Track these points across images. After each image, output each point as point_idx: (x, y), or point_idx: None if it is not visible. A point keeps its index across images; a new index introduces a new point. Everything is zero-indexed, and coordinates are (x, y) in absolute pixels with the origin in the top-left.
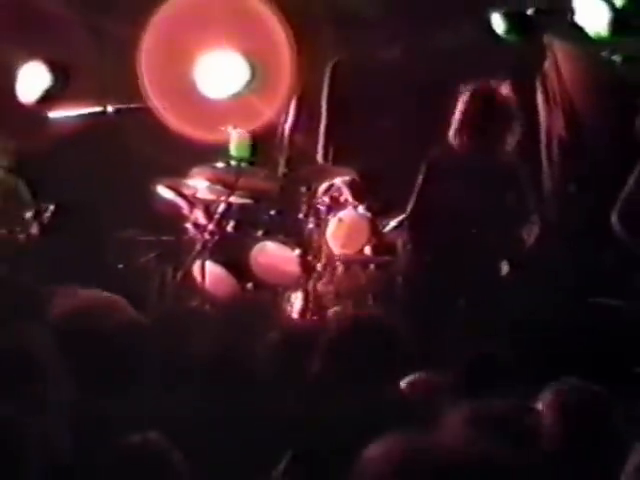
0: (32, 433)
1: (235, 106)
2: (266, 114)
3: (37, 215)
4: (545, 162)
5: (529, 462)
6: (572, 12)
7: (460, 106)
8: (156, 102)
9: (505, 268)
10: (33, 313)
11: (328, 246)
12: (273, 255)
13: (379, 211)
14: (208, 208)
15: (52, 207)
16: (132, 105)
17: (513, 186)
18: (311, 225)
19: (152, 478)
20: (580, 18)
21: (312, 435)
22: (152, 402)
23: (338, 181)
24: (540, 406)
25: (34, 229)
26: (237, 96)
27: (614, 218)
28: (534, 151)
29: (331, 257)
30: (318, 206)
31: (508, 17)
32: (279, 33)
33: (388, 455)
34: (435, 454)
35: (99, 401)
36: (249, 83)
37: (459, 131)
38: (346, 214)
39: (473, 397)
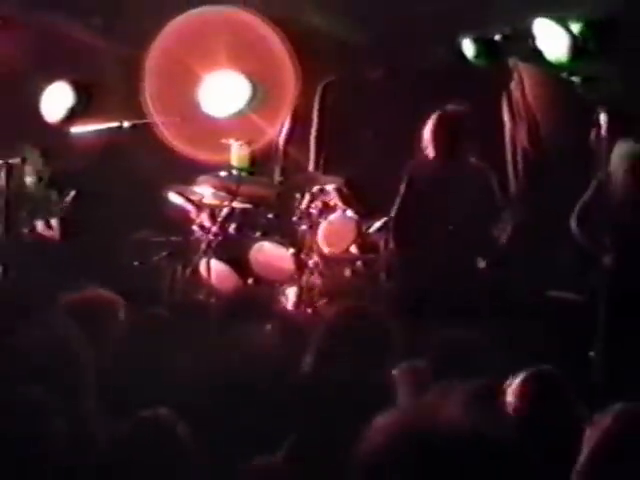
0: (59, 413)
1: (237, 124)
2: (267, 131)
3: (62, 219)
4: (511, 170)
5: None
6: (534, 38)
7: (430, 124)
8: (158, 119)
9: (481, 264)
10: (55, 305)
11: (319, 245)
12: (270, 254)
13: (364, 214)
14: (213, 212)
15: (69, 198)
16: (145, 121)
17: (485, 189)
18: (304, 227)
19: (161, 448)
20: (541, 44)
21: (309, 414)
22: (164, 382)
23: (329, 187)
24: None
25: (58, 230)
26: (239, 115)
27: (572, 222)
28: (501, 161)
29: (322, 255)
30: (310, 210)
31: (477, 42)
32: (280, 54)
33: (389, 427)
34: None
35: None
36: (250, 102)
37: (429, 144)
38: (335, 217)
39: (451, 379)
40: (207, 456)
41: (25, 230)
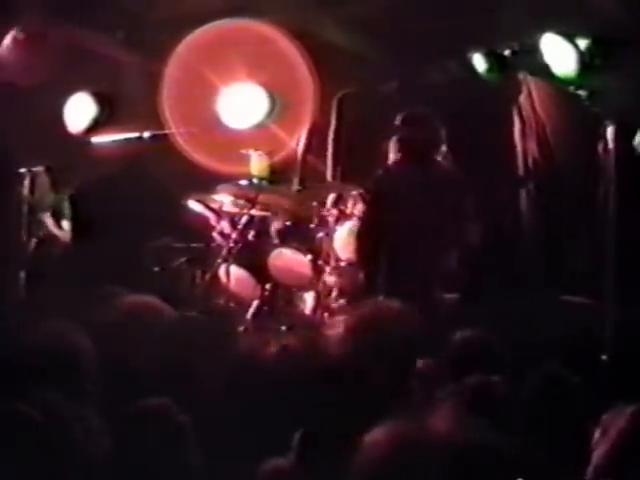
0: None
1: (257, 136)
2: (286, 143)
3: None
4: (522, 179)
5: (507, 444)
6: (542, 53)
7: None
8: (177, 130)
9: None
10: (78, 313)
11: (335, 252)
12: (288, 260)
13: None
14: (233, 219)
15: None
16: (164, 131)
17: (452, 191)
18: (321, 234)
19: (162, 435)
20: (549, 59)
21: (320, 415)
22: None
23: (354, 192)
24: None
25: (74, 238)
26: (258, 127)
27: None
28: (512, 170)
29: (338, 261)
30: (327, 217)
31: (488, 57)
32: (299, 67)
33: (388, 439)
34: (429, 439)
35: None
36: (270, 114)
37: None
38: (351, 224)
39: (461, 381)
40: (220, 456)
41: (41, 234)
